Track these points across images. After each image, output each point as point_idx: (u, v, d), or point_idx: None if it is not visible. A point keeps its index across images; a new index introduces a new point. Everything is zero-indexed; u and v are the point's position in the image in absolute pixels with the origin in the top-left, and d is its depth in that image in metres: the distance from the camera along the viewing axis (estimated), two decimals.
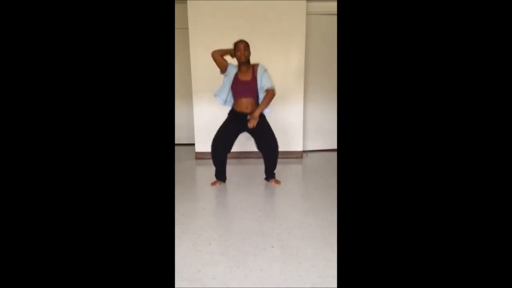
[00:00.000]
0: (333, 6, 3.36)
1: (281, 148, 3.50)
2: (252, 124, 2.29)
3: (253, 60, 3.37)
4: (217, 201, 2.27)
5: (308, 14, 3.30)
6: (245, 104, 2.39)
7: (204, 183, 2.65)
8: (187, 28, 3.32)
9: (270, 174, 2.63)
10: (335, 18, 3.45)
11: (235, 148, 3.58)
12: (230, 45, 3.26)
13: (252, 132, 2.45)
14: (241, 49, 2.33)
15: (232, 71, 2.38)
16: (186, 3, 3.21)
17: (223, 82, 2.42)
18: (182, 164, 3.30)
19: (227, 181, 2.67)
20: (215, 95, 2.47)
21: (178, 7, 3.54)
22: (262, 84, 2.34)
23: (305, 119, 3.59)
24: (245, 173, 2.98)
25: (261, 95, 2.39)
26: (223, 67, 2.36)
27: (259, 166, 3.21)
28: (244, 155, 3.51)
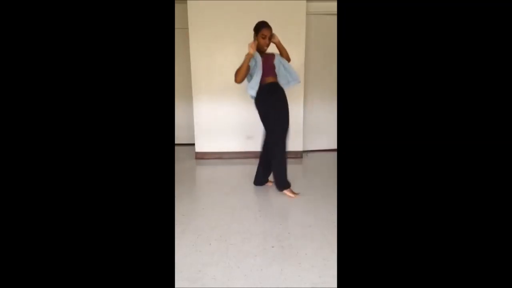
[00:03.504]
0: (333, 6, 3.37)
1: None
2: (276, 38, 2.29)
3: None
4: (217, 201, 2.27)
5: (308, 14, 3.31)
6: (270, 80, 2.31)
7: (204, 183, 2.64)
8: (187, 28, 3.32)
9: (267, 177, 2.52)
10: (335, 18, 3.46)
11: (235, 148, 3.58)
12: (229, 44, 3.28)
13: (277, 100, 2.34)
14: (266, 36, 2.25)
15: (257, 59, 2.26)
16: (186, 3, 3.21)
17: (253, 73, 2.27)
18: (182, 164, 3.30)
19: (227, 181, 2.67)
20: (249, 91, 2.27)
21: (178, 7, 3.54)
22: (282, 64, 2.35)
23: (305, 119, 3.59)
24: (245, 173, 2.97)
25: (282, 77, 2.36)
26: (249, 70, 2.25)
27: None
28: (244, 155, 3.51)
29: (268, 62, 2.32)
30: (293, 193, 2.32)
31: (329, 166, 3.18)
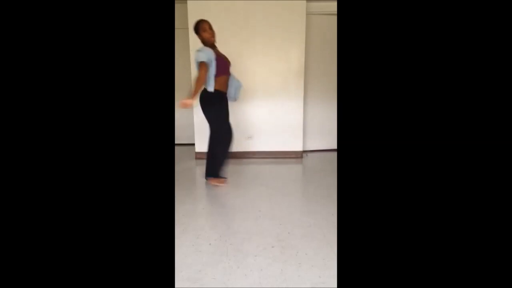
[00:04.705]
0: (333, 6, 3.37)
1: (281, 148, 3.52)
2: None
3: (255, 59, 3.38)
4: (217, 201, 2.27)
5: (308, 14, 3.31)
6: (225, 82, 2.42)
7: (204, 183, 2.65)
8: (187, 28, 3.32)
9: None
10: (335, 18, 3.46)
11: (235, 148, 3.58)
12: (229, 44, 3.28)
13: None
14: (207, 28, 2.31)
15: (207, 52, 2.27)
16: (186, 3, 3.21)
17: (210, 70, 2.30)
18: (182, 164, 3.30)
19: (227, 181, 2.67)
20: (209, 86, 2.33)
21: (178, 7, 3.54)
22: None
23: (305, 119, 3.59)
24: (245, 173, 2.98)
25: (231, 80, 2.49)
26: (207, 67, 2.27)
27: (259, 166, 3.21)
28: (244, 155, 3.51)
29: (222, 58, 2.38)
30: (219, 182, 2.49)
31: (329, 166, 3.18)
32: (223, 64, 2.37)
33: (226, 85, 2.44)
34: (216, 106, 2.38)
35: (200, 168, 3.17)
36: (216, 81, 2.33)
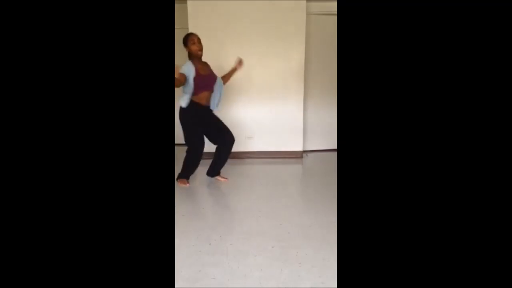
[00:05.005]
0: (333, 6, 3.36)
1: (281, 148, 3.52)
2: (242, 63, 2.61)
3: (255, 59, 3.38)
4: (217, 201, 2.27)
5: (308, 14, 3.30)
6: (207, 97, 2.41)
7: (204, 183, 2.65)
8: (187, 28, 3.32)
9: (217, 171, 2.67)
10: (335, 18, 3.46)
11: (235, 148, 3.58)
12: (229, 44, 3.28)
13: (212, 123, 2.50)
14: (196, 41, 2.32)
15: (189, 67, 2.29)
16: (186, 3, 3.21)
17: (188, 81, 2.31)
18: None
19: (227, 181, 2.67)
20: (182, 103, 2.34)
21: (178, 7, 3.54)
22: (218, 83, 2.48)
23: (305, 119, 3.59)
24: (245, 173, 2.98)
25: (216, 91, 2.48)
26: (183, 80, 2.26)
27: (259, 166, 3.21)
28: (244, 155, 3.51)
29: (204, 76, 2.35)
30: (183, 183, 2.55)
31: (329, 166, 3.18)
32: (204, 82, 2.35)
33: (207, 99, 2.43)
34: (188, 122, 2.38)
35: (200, 168, 3.18)
36: (197, 97, 2.35)
